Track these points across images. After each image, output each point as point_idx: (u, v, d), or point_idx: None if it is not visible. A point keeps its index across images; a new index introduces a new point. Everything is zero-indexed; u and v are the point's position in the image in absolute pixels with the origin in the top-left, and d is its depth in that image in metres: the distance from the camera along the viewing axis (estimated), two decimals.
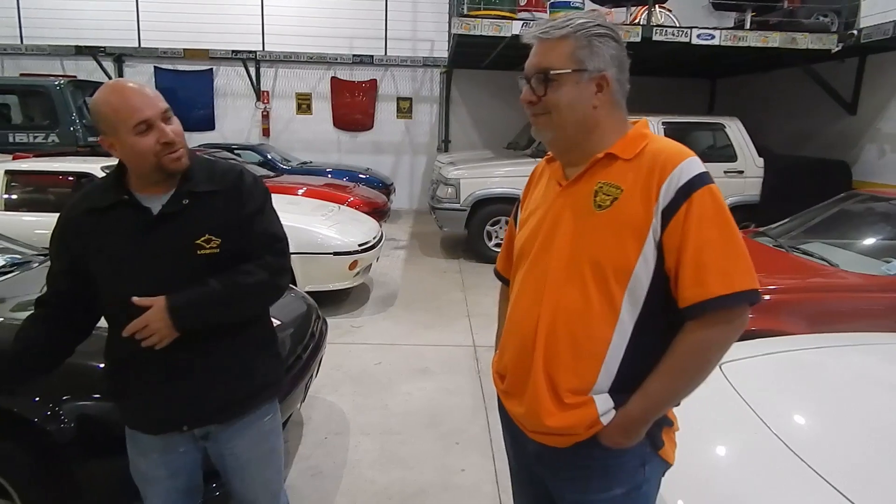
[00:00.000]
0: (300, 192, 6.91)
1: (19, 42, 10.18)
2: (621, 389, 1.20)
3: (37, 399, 1.88)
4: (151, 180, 1.47)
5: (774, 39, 6.49)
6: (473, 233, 6.87)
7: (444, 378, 3.81)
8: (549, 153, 1.38)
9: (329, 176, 8.86)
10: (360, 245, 4.90)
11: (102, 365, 2.00)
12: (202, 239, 1.47)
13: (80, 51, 10.08)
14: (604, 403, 1.19)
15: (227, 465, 1.65)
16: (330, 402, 3.41)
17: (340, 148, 10.99)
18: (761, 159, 6.85)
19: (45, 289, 1.56)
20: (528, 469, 1.40)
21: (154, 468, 1.60)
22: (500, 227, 6.89)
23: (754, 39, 6.52)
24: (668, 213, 1.13)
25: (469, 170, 7.07)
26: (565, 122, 1.22)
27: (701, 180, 1.14)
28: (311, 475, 2.74)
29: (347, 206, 6.42)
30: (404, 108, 11.02)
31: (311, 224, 4.89)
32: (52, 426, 1.86)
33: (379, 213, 7.19)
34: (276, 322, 2.74)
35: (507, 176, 6.93)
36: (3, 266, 2.82)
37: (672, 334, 1.18)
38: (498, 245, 6.93)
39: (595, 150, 1.23)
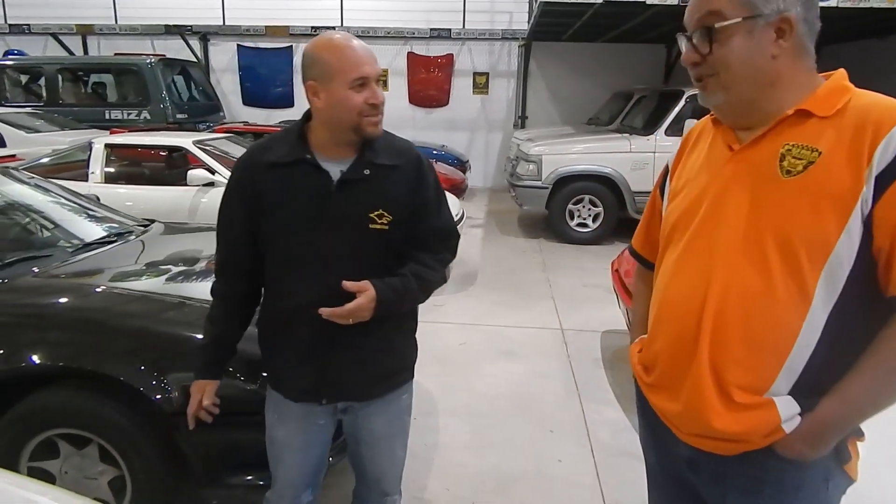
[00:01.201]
0: None
1: (114, 23, 10.62)
2: (807, 391, 1.00)
3: (142, 368, 1.88)
4: (338, 141, 1.43)
5: None
6: (555, 211, 6.62)
7: (531, 361, 3.66)
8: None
9: None
10: None
11: (200, 335, 2.02)
12: (375, 213, 1.43)
13: (169, 30, 10.41)
14: (787, 407, 1.00)
15: (360, 439, 1.63)
16: (417, 382, 3.29)
17: (415, 124, 10.88)
18: None
19: (220, 256, 1.57)
20: (674, 474, 1.22)
21: (291, 438, 1.59)
22: (583, 206, 6.60)
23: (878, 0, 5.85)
24: (885, 180, 0.92)
25: (551, 146, 6.81)
26: (739, 81, 1.02)
27: None
28: None
29: None
30: (480, 83, 10.76)
31: None
32: (158, 395, 1.84)
33: (456, 189, 7.05)
34: None
35: (590, 152, 6.63)
36: (106, 236, 2.88)
37: (874, 327, 0.97)
38: (581, 225, 6.65)
39: (777, 107, 1.02)
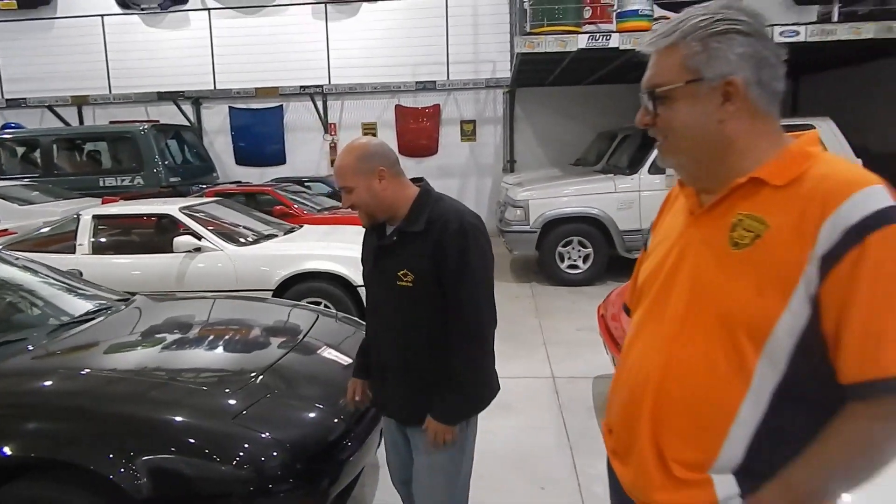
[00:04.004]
0: None
1: (108, 92, 10.90)
2: (752, 473, 0.96)
3: (111, 456, 1.85)
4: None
5: (868, 30, 5.96)
6: (545, 255, 6.64)
7: (526, 414, 3.60)
8: None
9: None
10: None
11: (179, 418, 2.01)
12: (401, 272, 1.71)
13: (162, 96, 10.68)
14: (726, 487, 0.97)
15: (414, 462, 1.87)
16: None
17: (406, 174, 11.02)
18: (859, 160, 6.26)
19: None
20: None
21: (386, 437, 2.02)
22: (573, 248, 6.62)
23: (845, 32, 6.01)
24: (830, 260, 0.87)
25: (537, 190, 6.88)
26: (685, 145, 1.02)
27: (884, 217, 0.85)
28: None
29: None
30: (468, 130, 10.96)
31: None
32: (126, 483, 1.81)
33: None
34: (349, 360, 2.67)
35: (577, 194, 6.69)
36: (85, 313, 2.88)
37: (827, 411, 0.92)
38: (571, 266, 6.66)
39: (735, 173, 0.99)
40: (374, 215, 1.76)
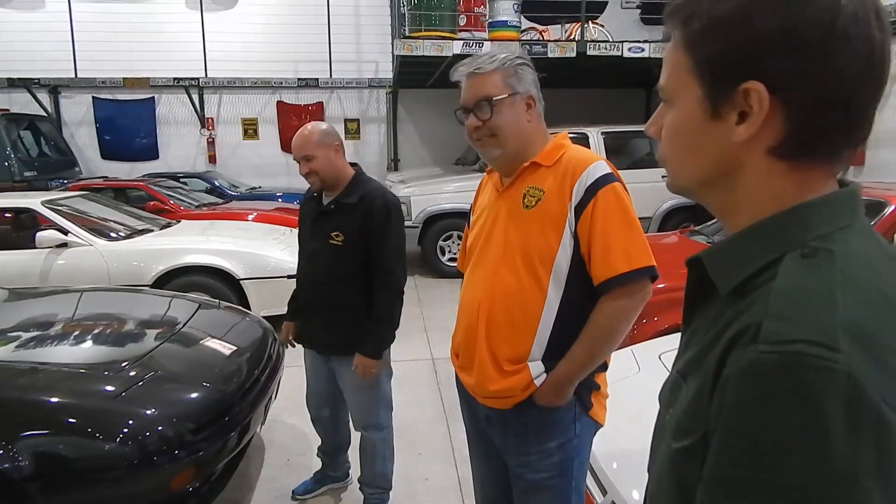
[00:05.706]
0: (250, 217, 6.86)
1: None
2: (552, 357, 1.40)
3: None
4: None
5: None
6: (427, 248, 6.96)
7: (404, 392, 3.83)
8: (489, 167, 1.55)
9: (279, 200, 8.80)
10: None
11: (54, 399, 2.04)
12: (333, 233, 2.22)
13: (13, 83, 9.77)
14: (536, 368, 1.40)
15: (339, 382, 2.42)
16: (291, 425, 3.41)
17: (290, 171, 10.90)
18: None
19: None
20: (481, 432, 1.59)
21: (307, 365, 2.53)
22: (453, 242, 7.00)
23: None
24: (580, 207, 1.37)
25: (419, 187, 7.19)
26: (509, 139, 1.43)
27: (605, 180, 1.38)
28: (274, 497, 2.74)
29: None
30: (352, 129, 11.08)
31: (263, 248, 4.87)
32: (6, 464, 1.83)
33: None
34: (232, 347, 2.77)
35: (456, 191, 7.06)
36: None
37: (592, 309, 1.38)
38: (451, 259, 7.04)
39: (525, 159, 1.43)
40: (325, 181, 2.25)
